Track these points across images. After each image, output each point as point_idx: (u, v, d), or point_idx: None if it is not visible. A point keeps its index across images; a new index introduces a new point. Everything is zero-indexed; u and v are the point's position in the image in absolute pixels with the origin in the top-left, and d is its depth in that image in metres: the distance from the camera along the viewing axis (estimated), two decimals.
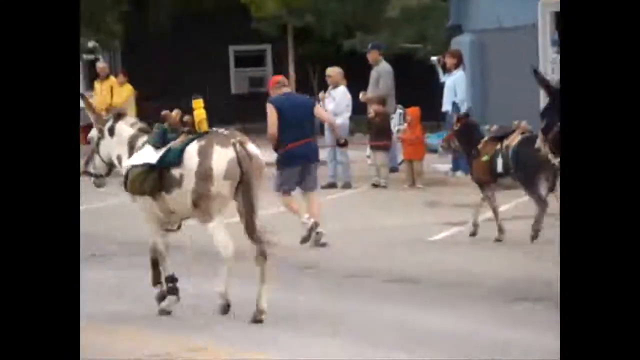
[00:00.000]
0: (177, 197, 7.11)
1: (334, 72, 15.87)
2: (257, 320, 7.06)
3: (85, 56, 23.59)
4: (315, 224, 10.23)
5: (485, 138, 10.74)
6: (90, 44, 21.87)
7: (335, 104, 15.50)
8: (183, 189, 7.06)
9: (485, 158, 10.46)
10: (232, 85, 26.85)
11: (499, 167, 10.35)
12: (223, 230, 7.10)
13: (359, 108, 16.18)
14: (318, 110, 11.33)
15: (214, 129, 7.39)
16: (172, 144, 7.20)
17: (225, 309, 7.17)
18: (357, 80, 16.09)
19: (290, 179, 10.40)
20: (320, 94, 15.99)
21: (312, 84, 22.65)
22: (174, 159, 7.10)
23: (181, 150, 7.11)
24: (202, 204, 7.02)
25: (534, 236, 10.10)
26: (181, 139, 7.23)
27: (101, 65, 20.58)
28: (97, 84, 19.94)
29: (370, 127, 16.26)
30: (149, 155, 7.23)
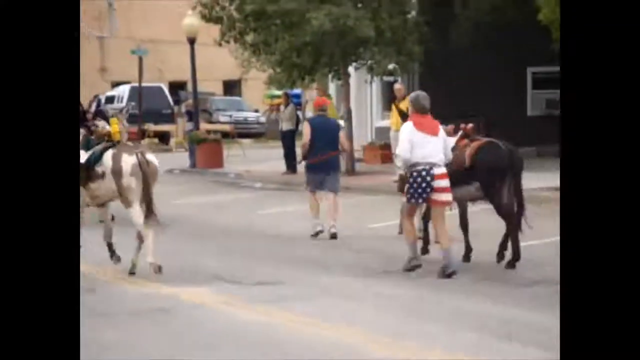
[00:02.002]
0: (101, 185, 10.24)
1: None
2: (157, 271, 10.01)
3: (384, 78, 24.20)
4: (333, 223, 13.03)
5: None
6: (391, 66, 22.40)
7: None
8: (105, 180, 10.17)
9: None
10: (528, 108, 26.54)
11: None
12: (139, 212, 10.15)
13: None
14: (342, 135, 13.89)
15: (126, 142, 10.71)
16: (94, 149, 10.37)
17: (157, 269, 10.01)
18: None
19: (314, 181, 13.39)
20: None
21: None
22: (95, 159, 10.21)
23: (101, 154, 10.24)
24: (122, 194, 10.12)
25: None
26: (102, 145, 10.38)
27: (398, 86, 20.97)
28: (394, 105, 20.42)
29: None
30: (82, 157, 10.19)
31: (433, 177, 9.98)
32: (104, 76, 50.35)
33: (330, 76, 24.28)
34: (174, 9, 39.13)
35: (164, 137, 36.93)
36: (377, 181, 20.52)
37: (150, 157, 10.35)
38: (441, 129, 10.43)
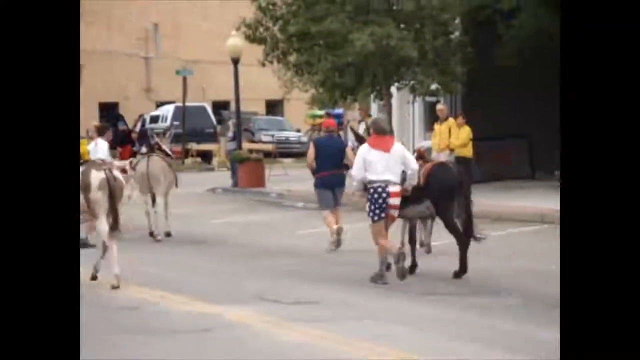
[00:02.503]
0: None
1: None
2: (114, 287, 10.67)
3: (427, 98, 24.20)
4: (339, 230, 13.73)
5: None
6: (433, 86, 22.40)
7: None
8: None
9: None
10: None
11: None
12: (104, 224, 10.83)
13: None
14: (348, 150, 14.46)
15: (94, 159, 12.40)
16: None
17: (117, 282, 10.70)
18: None
19: (325, 199, 14.20)
20: None
21: None
22: None
23: None
24: (90, 206, 10.77)
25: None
26: None
27: (440, 107, 21.00)
28: (436, 125, 20.40)
29: None
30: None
31: (389, 194, 10.78)
32: (149, 96, 50.87)
33: (372, 96, 24.32)
34: (218, 29, 39.48)
35: (206, 156, 37.15)
36: None
37: (117, 173, 11.28)
38: (398, 145, 11.25)
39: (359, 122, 23.65)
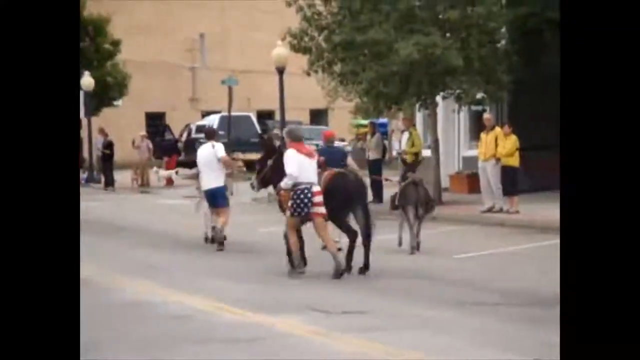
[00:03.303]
0: None
1: None
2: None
3: (472, 107, 24.12)
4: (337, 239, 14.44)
5: None
6: (479, 95, 22.32)
7: None
8: None
9: None
10: None
11: None
12: None
13: None
14: (348, 158, 15.81)
15: None
16: None
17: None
18: None
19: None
20: None
21: None
22: None
23: None
24: None
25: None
26: None
27: (487, 116, 20.95)
28: (482, 135, 20.35)
29: None
30: None
31: (313, 194, 12.04)
32: (196, 106, 51.24)
33: (417, 105, 24.28)
34: (264, 40, 39.70)
35: (251, 166, 37.25)
36: (463, 211, 20.41)
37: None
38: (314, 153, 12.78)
39: (403, 131, 23.67)
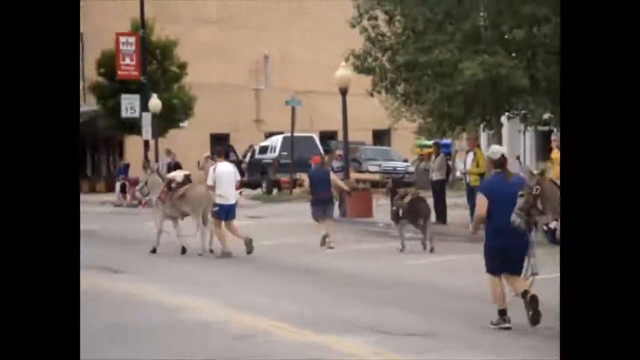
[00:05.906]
0: None
1: None
2: None
3: (539, 128, 23.85)
4: (327, 235, 18.57)
5: None
6: (546, 115, 22.07)
7: None
8: None
9: None
10: None
11: None
12: None
13: None
14: (332, 176, 19.90)
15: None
16: None
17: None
18: None
19: (317, 212, 19.13)
20: None
21: None
22: None
23: None
24: None
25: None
26: None
27: (555, 137, 20.71)
28: (553, 155, 20.10)
29: None
30: None
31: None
32: (259, 127, 51.53)
33: (481, 126, 24.06)
34: (327, 60, 39.77)
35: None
36: None
37: None
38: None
39: (467, 152, 23.45)
